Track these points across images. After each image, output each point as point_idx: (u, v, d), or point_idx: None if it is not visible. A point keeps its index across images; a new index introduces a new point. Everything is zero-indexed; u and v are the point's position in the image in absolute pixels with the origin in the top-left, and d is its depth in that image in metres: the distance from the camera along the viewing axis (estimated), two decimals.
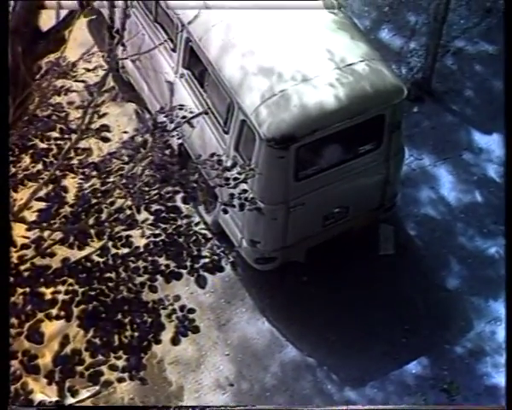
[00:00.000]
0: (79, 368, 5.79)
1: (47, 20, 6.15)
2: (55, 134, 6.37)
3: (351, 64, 8.47)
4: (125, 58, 5.54)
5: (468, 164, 10.08)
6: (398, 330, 8.85)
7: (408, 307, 9.00)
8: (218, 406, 8.28)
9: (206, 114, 8.66)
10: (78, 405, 5.75)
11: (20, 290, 5.90)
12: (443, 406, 8.46)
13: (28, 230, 5.95)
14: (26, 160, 6.32)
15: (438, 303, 9.08)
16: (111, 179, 6.09)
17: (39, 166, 6.25)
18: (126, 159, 6.15)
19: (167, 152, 6.31)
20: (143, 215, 6.08)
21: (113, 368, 5.87)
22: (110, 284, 6.03)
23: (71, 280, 5.98)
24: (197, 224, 6.39)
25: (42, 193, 6.08)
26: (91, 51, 5.62)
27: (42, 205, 6.10)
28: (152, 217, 6.11)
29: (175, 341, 6.01)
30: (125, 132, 6.92)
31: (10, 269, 5.90)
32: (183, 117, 6.57)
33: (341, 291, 9.01)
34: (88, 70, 5.95)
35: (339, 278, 9.05)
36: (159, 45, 8.79)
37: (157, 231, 6.12)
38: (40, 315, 5.85)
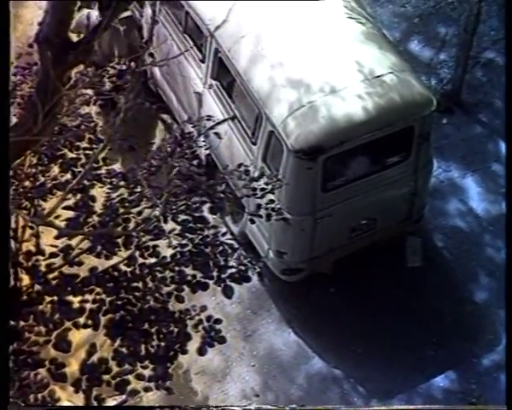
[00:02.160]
0: (106, 377, 5.82)
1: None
2: (83, 144, 6.42)
3: (380, 76, 8.45)
4: (153, 64, 5.56)
5: (498, 176, 10.01)
6: (425, 343, 8.79)
7: (436, 320, 8.93)
8: (218, 405, 8.27)
9: (233, 119, 8.68)
10: (76, 405, 5.76)
11: (47, 299, 5.94)
12: (444, 406, 8.40)
13: (56, 237, 5.98)
14: (55, 169, 6.38)
15: (466, 316, 9.01)
16: (138, 189, 6.12)
17: (68, 176, 6.30)
18: (154, 169, 6.17)
19: (195, 162, 6.34)
20: (170, 225, 6.10)
21: (139, 377, 5.89)
22: (137, 294, 6.06)
23: (98, 289, 6.01)
24: (224, 234, 6.38)
25: (70, 202, 6.12)
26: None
27: (70, 214, 6.14)
28: (179, 227, 6.13)
29: (201, 351, 6.02)
30: (153, 143, 6.96)
31: (39, 277, 5.95)
32: (211, 127, 6.60)
33: (368, 303, 8.96)
34: (116, 83, 5.99)
35: (366, 290, 9.00)
36: (185, 51, 8.82)
37: (184, 242, 6.13)
38: (68, 324, 5.88)
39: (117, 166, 6.68)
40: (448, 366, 8.74)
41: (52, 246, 6.08)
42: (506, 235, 6.34)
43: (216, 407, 8.28)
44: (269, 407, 8.26)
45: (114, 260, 6.09)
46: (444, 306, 9.05)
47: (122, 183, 6.21)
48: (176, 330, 6.03)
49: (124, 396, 7.09)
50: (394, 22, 11.15)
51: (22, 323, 5.88)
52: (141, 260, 6.13)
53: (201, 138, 6.56)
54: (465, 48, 10.18)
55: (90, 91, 6.47)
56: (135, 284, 6.07)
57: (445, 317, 8.99)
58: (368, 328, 8.84)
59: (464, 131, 10.32)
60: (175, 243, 6.10)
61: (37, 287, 5.99)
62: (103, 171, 6.32)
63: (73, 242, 6.08)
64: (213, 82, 9.02)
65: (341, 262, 8.88)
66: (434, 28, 11.10)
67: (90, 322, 5.95)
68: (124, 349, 5.91)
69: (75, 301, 5.98)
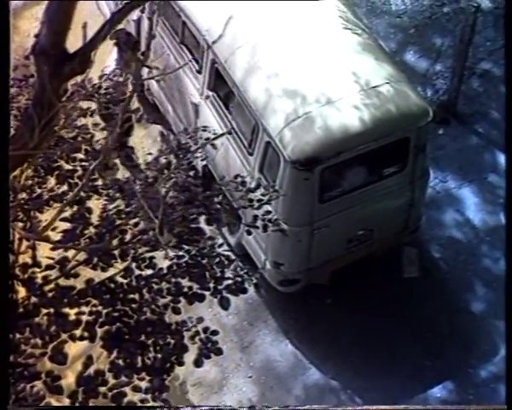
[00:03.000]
0: (102, 389, 5.80)
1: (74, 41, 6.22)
2: (80, 155, 6.42)
3: (376, 86, 8.46)
4: (150, 78, 5.56)
5: (494, 186, 10.02)
6: (422, 354, 8.79)
7: (432, 331, 8.93)
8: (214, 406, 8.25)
9: (230, 134, 8.70)
10: (76, 405, 5.75)
11: (44, 311, 5.93)
12: (443, 406, 8.39)
13: (53, 249, 5.97)
14: (52, 181, 6.37)
15: (462, 327, 9.01)
16: (135, 201, 6.11)
17: (64, 188, 6.30)
18: (151, 180, 6.17)
19: (191, 173, 6.34)
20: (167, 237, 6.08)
21: (136, 389, 5.87)
22: (133, 306, 6.05)
23: (95, 301, 6.00)
24: (220, 245, 6.39)
25: (67, 214, 6.12)
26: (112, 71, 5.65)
27: (67, 226, 6.14)
28: (175, 238, 6.12)
29: (198, 363, 6.01)
30: (150, 154, 6.96)
31: (35, 289, 5.93)
32: (207, 138, 6.60)
33: (365, 314, 8.96)
34: (113, 92, 5.99)
35: (363, 300, 9.00)
36: (183, 65, 8.82)
37: (180, 253, 6.12)
38: (64, 336, 5.87)
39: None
40: (445, 377, 8.73)
41: (48, 258, 6.07)
42: (506, 242, 6.34)
43: (213, 407, 8.27)
44: (265, 407, 8.26)
45: (111, 271, 6.09)
46: (440, 316, 9.05)
47: (118, 194, 6.20)
48: (172, 341, 6.02)
49: None
50: (390, 33, 11.18)
51: (18, 335, 5.86)
52: (137, 272, 6.12)
53: (198, 149, 6.57)
54: (461, 58, 10.20)
55: (86, 103, 6.46)
56: (131, 296, 6.06)
57: (442, 327, 8.98)
58: (365, 338, 8.83)
59: (460, 142, 10.33)
60: (171, 254, 6.10)
61: (33, 299, 5.97)
62: (100, 182, 6.32)
63: (70, 254, 6.07)
64: (210, 93, 9.03)
65: (338, 273, 8.87)
66: (430, 39, 11.12)
67: (86, 334, 5.93)
68: (120, 361, 5.90)
69: (71, 313, 5.97)
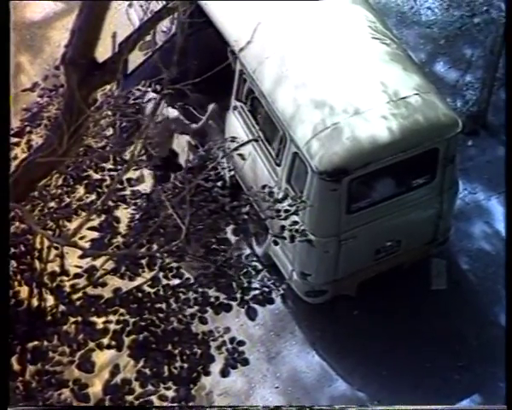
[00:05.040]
0: (129, 398, 5.81)
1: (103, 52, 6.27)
2: (108, 165, 6.46)
3: (404, 97, 8.43)
4: (176, 88, 5.57)
5: None
6: (450, 367, 8.72)
7: (461, 344, 8.86)
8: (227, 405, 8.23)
9: (257, 141, 8.70)
10: (77, 405, 5.77)
11: (72, 319, 5.96)
12: (443, 406, 8.30)
13: (81, 257, 6.00)
14: (81, 190, 6.41)
15: (491, 340, 8.93)
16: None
17: (93, 197, 6.34)
18: (178, 190, 6.19)
19: (219, 184, 6.35)
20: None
21: (162, 398, 5.89)
22: (160, 315, 6.07)
23: (122, 310, 6.03)
24: (248, 256, 6.38)
25: (95, 223, 6.15)
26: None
27: (95, 235, 6.17)
28: (202, 249, 6.13)
29: (224, 373, 6.01)
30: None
31: (64, 298, 5.97)
32: (235, 148, 6.61)
33: (393, 326, 8.91)
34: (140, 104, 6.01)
35: (390, 312, 8.95)
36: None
37: (207, 263, 6.13)
38: (91, 344, 5.90)
39: (141, 188, 6.70)
40: (474, 390, 8.65)
41: (76, 267, 6.10)
42: (506, 243, 6.27)
43: (225, 407, 8.26)
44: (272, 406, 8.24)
45: (138, 281, 6.11)
46: (469, 329, 8.97)
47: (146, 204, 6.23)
48: (199, 351, 6.03)
49: None
50: (420, 43, 11.14)
51: (46, 343, 5.90)
52: (164, 282, 6.14)
53: (226, 160, 6.58)
54: (491, 69, 10.14)
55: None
56: (158, 306, 6.08)
57: (471, 340, 8.91)
58: (392, 350, 8.78)
59: (490, 153, 10.26)
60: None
61: (61, 307, 6.01)
62: (128, 192, 6.35)
63: (98, 262, 6.10)
64: (238, 103, 9.04)
65: (366, 284, 8.84)
66: (460, 50, 11.07)
67: (113, 343, 5.96)
68: (147, 370, 5.92)
69: (99, 321, 6.00)
